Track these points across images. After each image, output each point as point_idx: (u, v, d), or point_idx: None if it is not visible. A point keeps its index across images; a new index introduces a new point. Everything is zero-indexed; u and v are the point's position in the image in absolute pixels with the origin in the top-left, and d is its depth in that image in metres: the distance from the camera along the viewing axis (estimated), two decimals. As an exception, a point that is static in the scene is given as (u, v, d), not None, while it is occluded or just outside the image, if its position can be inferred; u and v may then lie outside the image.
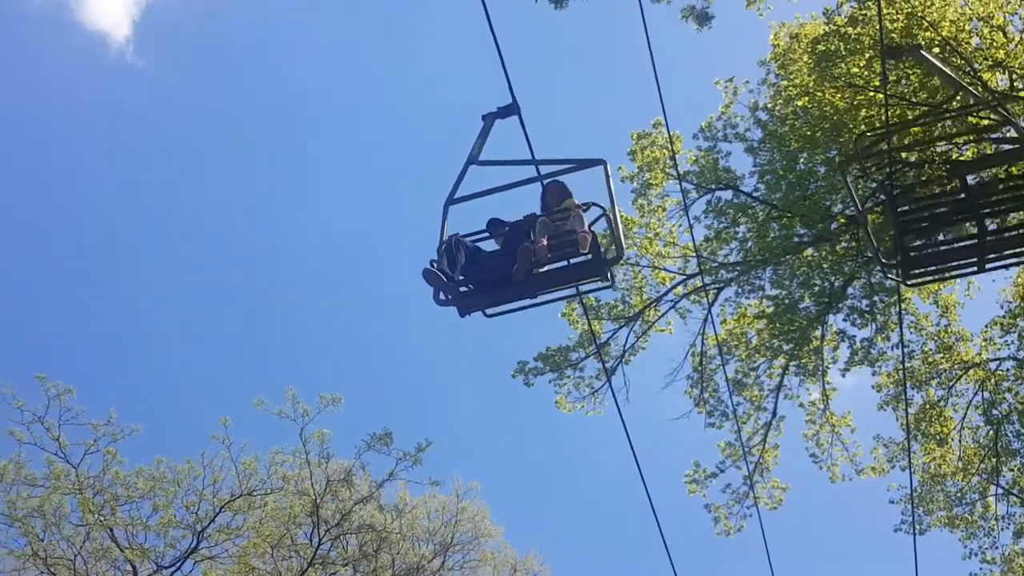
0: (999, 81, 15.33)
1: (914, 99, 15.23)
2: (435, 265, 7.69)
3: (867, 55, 14.96)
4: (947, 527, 20.24)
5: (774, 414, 19.28)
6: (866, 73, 15.23)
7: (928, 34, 14.59)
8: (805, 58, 15.87)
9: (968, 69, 14.78)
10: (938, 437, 19.23)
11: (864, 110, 15.49)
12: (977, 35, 15.04)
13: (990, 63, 14.98)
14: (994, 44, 14.89)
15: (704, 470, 19.61)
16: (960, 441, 19.44)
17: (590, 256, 7.61)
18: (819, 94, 15.72)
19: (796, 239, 17.08)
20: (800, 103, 16.03)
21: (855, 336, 18.05)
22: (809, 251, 17.33)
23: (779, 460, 19.82)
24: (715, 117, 17.69)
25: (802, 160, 16.56)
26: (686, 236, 18.44)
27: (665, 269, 18.92)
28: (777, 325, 18.06)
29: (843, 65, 15.13)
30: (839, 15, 15.17)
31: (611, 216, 8.07)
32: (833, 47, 15.05)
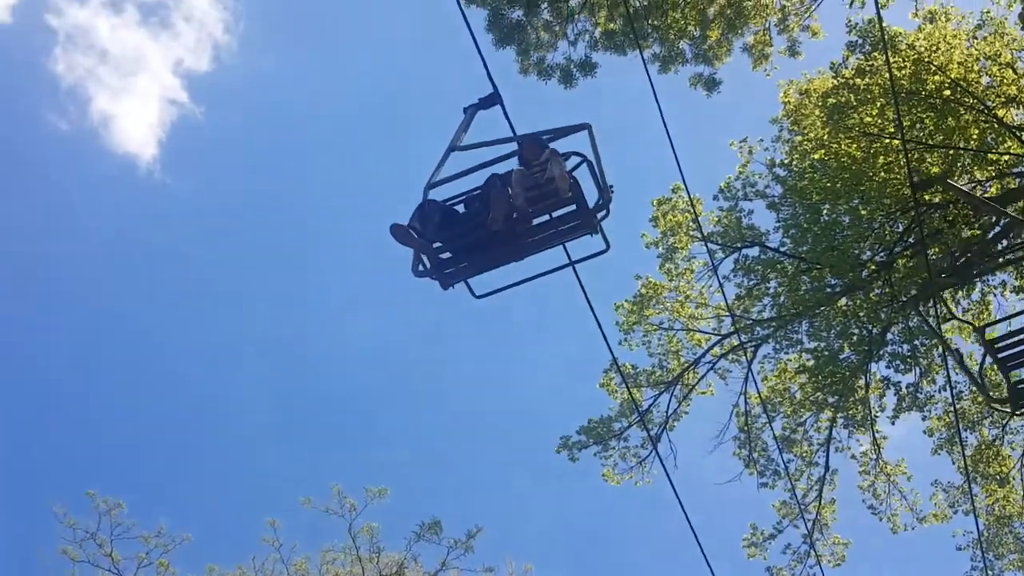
0: (1015, 116, 15.40)
1: (930, 142, 15.32)
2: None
3: (878, 104, 15.13)
4: (1021, 570, 19.58)
5: (827, 468, 18.94)
6: (880, 121, 15.37)
7: (937, 78, 14.75)
8: (817, 112, 16.06)
9: (981, 107, 14.88)
10: (998, 477, 18.74)
11: (882, 157, 15.59)
12: (986, 74, 15.17)
13: (1003, 99, 15.08)
14: (1004, 81, 15.00)
15: (762, 532, 19.21)
16: (1022, 479, 18.93)
17: (574, 206, 7.20)
18: (835, 146, 15.86)
19: (828, 290, 17.03)
20: (816, 156, 16.17)
21: (900, 382, 17.82)
22: (843, 301, 17.25)
23: (837, 515, 19.40)
24: (733, 177, 17.88)
25: (825, 211, 16.62)
26: (717, 296, 18.49)
27: (699, 331, 18.90)
28: (819, 378, 17.87)
29: (855, 115, 15.30)
30: (846, 68, 15.39)
31: (594, 164, 7.58)
32: (844, 99, 15.25)
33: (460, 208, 7.60)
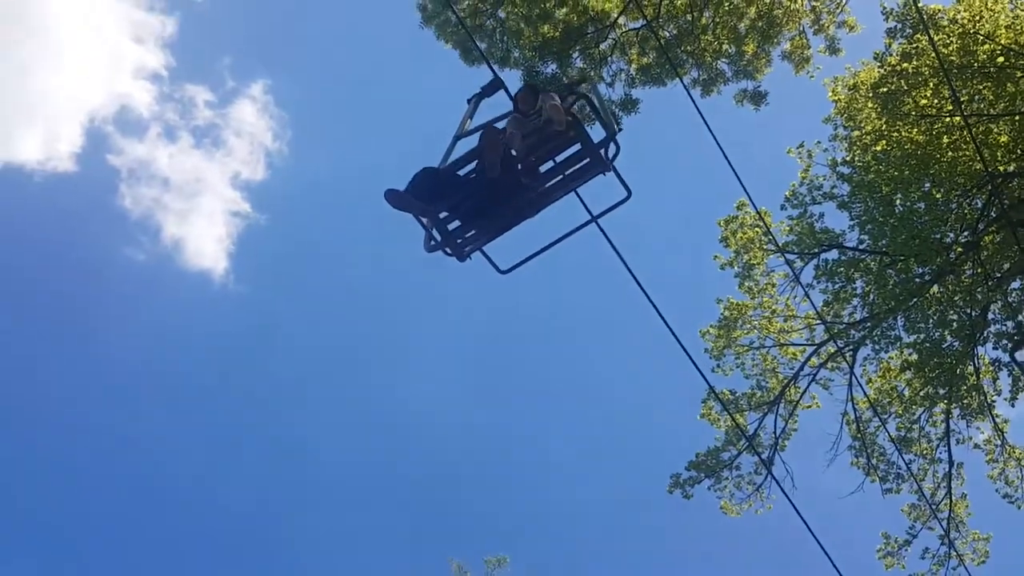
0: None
1: (992, 112, 14.89)
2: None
3: (931, 84, 14.81)
4: None
5: (951, 463, 18.16)
6: (936, 101, 15.02)
7: (986, 47, 14.39)
8: (869, 104, 15.79)
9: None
10: None
11: (945, 137, 15.20)
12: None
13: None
14: (1058, 37, 14.55)
15: (895, 540, 18.44)
16: None
17: (578, 144, 6.79)
18: (895, 134, 15.54)
19: (917, 280, 16.53)
20: (878, 148, 15.85)
21: (1011, 362, 17.06)
22: (935, 288, 16.70)
23: (971, 510, 18.53)
24: (797, 184, 17.60)
25: (898, 201, 16.22)
26: (804, 306, 18.10)
27: (792, 344, 18.50)
28: (926, 371, 17.25)
29: (909, 100, 14.99)
30: (890, 55, 15.14)
31: (594, 100, 7.29)
32: (894, 86, 14.97)
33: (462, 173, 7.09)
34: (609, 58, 15.82)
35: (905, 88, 14.91)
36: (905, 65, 14.73)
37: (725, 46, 14.90)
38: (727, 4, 14.80)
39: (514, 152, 6.59)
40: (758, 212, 17.16)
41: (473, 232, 7.06)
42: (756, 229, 17.65)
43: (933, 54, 14.12)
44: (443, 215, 6.94)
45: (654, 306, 7.64)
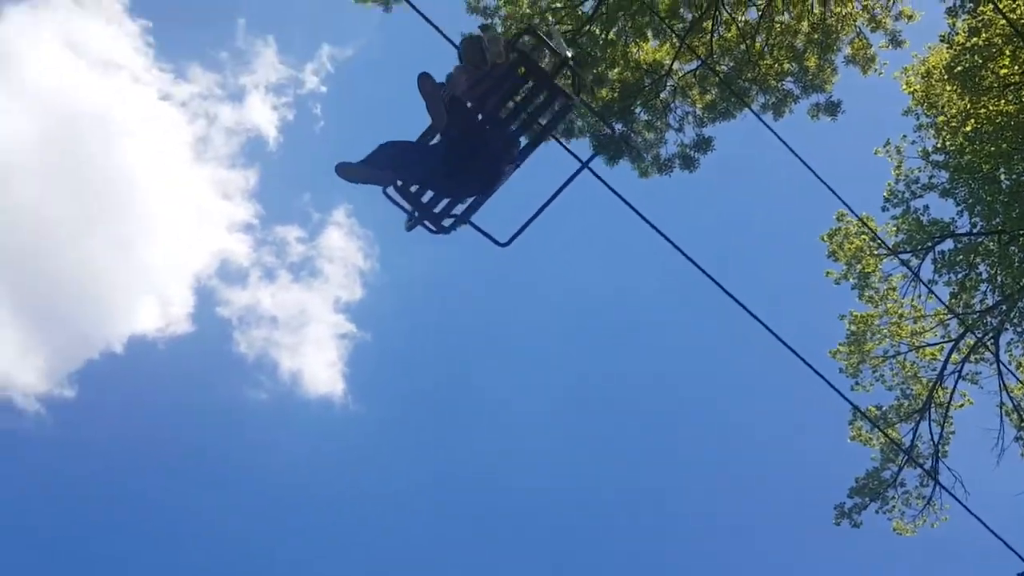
0: None
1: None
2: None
3: (1007, 52, 14.32)
4: None
5: None
6: (1016, 68, 14.50)
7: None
8: (947, 87, 15.36)
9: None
10: None
11: (1036, 100, 14.63)
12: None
13: None
14: None
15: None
16: None
17: (530, 79, 6.30)
18: (981, 110, 15.02)
19: (1044, 250, 15.74)
20: (968, 128, 15.33)
21: None
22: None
23: None
24: (892, 182, 17.14)
25: (1003, 176, 15.59)
26: (931, 303, 17.40)
27: (928, 344, 17.74)
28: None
29: (988, 73, 14.52)
30: (956, 34, 14.76)
31: (540, 34, 6.71)
32: (969, 63, 14.54)
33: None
34: (672, 104, 15.89)
35: (980, 62, 14.46)
36: (975, 40, 14.32)
37: (786, 65, 14.80)
38: (778, 25, 14.75)
39: (459, 95, 6.24)
40: (860, 219, 16.72)
41: (451, 200, 6.59)
42: (862, 237, 17.17)
43: (1002, 22, 13.69)
44: (414, 188, 6.48)
45: (777, 337, 7.48)
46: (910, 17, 14.99)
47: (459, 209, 6.65)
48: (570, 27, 15.70)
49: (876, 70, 15.42)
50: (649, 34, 15.54)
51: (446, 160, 6.24)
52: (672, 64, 15.56)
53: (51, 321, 34.18)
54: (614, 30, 15.59)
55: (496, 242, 6.45)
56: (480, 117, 6.39)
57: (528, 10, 15.84)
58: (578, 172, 6.63)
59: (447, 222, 6.58)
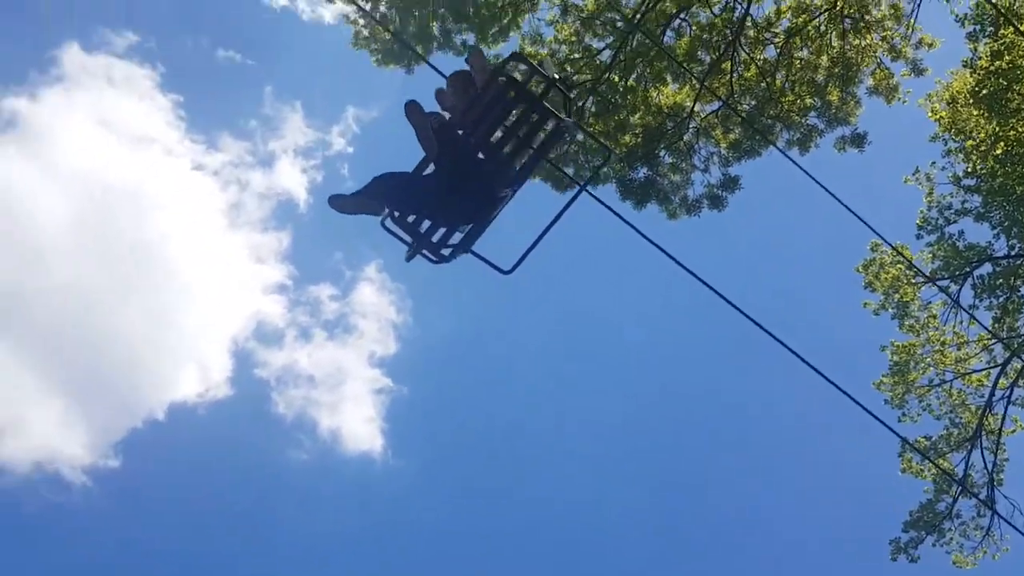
0: None
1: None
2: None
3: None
4: None
5: None
6: (1043, 86, 14.39)
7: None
8: (974, 112, 15.25)
9: None
10: None
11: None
12: None
13: None
14: None
15: None
16: None
17: (520, 103, 6.24)
18: (1011, 132, 14.88)
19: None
20: (998, 151, 15.19)
21: None
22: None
23: None
24: (925, 209, 16.96)
25: (1037, 195, 15.39)
26: (974, 329, 17.09)
27: (974, 371, 17.39)
28: None
29: (1015, 95, 14.41)
30: (979, 58, 14.70)
31: (524, 58, 6.67)
32: (994, 86, 14.45)
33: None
34: (696, 145, 15.94)
35: (1006, 84, 14.36)
36: (998, 63, 14.24)
37: (808, 100, 14.81)
38: (797, 62, 14.80)
39: (449, 122, 6.23)
40: (894, 248, 16.56)
41: (447, 229, 6.46)
42: (898, 266, 16.98)
43: (1024, 43, 13.63)
44: (411, 218, 6.39)
45: (820, 374, 7.33)
46: (930, 45, 14.98)
47: (458, 237, 6.58)
48: (589, 77, 15.89)
49: (900, 99, 15.39)
50: (668, 78, 15.66)
51: (440, 188, 6.18)
52: (694, 106, 15.63)
53: (95, 393, 34.60)
54: (633, 76, 15.74)
55: (499, 270, 6.34)
56: (472, 142, 6.36)
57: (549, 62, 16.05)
58: (576, 195, 6.63)
59: (446, 251, 6.49)
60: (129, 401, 34.59)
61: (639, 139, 15.75)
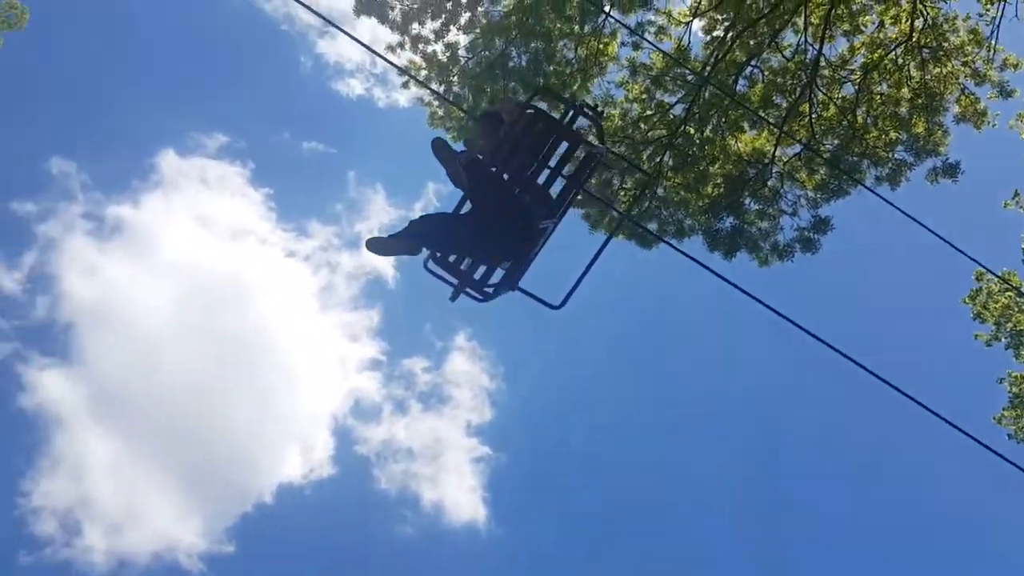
0: None
1: None
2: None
3: None
4: None
5: None
6: None
7: None
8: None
9: None
10: None
11: None
12: None
13: None
14: None
15: None
16: None
17: (550, 133, 6.29)
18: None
19: None
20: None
21: None
22: None
23: None
24: (1030, 231, 16.30)
25: None
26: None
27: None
28: None
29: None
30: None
31: (549, 88, 6.70)
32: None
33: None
34: (781, 189, 15.68)
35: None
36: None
37: (894, 135, 14.46)
38: (878, 96, 14.53)
39: (480, 156, 6.22)
40: (1000, 277, 15.92)
41: (489, 267, 6.49)
42: (1007, 294, 16.28)
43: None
44: (452, 258, 6.46)
45: (939, 416, 7.02)
46: (1015, 65, 14.53)
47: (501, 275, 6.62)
48: (664, 132, 15.89)
49: (989, 123, 14.90)
50: (745, 125, 15.54)
51: (478, 225, 6.17)
52: (775, 151, 15.43)
53: (206, 481, 35.62)
54: (709, 128, 15.66)
55: (549, 305, 6.28)
56: (505, 176, 6.39)
57: (619, 122, 16.15)
58: (620, 223, 6.77)
59: (490, 289, 6.50)
60: (239, 486, 35.47)
61: (721, 189, 15.59)
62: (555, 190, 6.78)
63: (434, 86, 16.28)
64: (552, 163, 6.67)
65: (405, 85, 17.87)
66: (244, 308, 38.98)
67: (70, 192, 35.17)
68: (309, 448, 40.35)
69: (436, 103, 16.59)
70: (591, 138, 6.91)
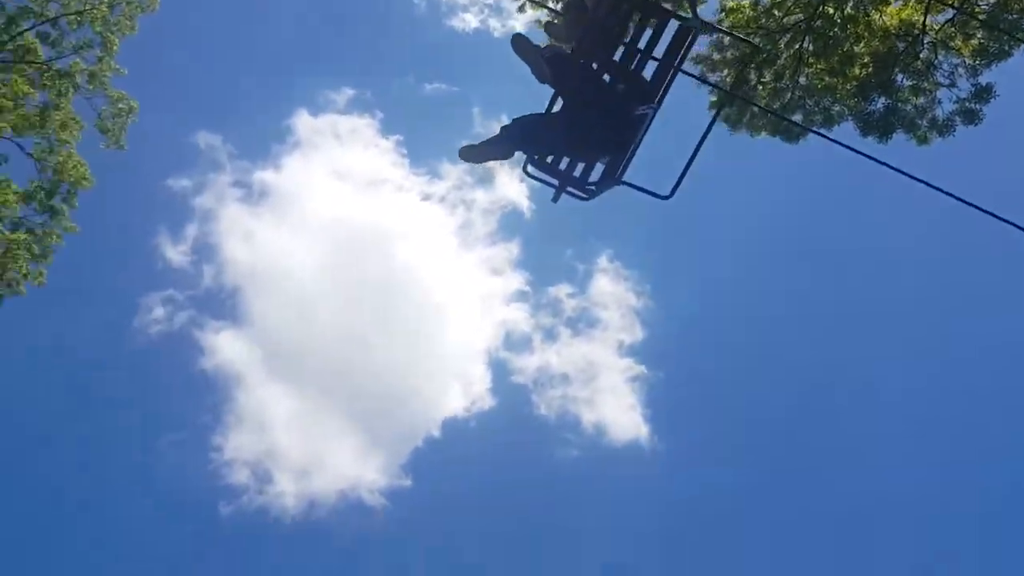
0: None
1: None
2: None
3: None
4: None
5: None
6: None
7: None
8: None
9: None
10: None
11: None
12: None
13: None
14: None
15: None
16: None
17: (635, 10, 5.89)
18: None
19: None
20: None
21: None
22: None
23: None
24: None
25: None
26: None
27: None
28: None
29: None
30: None
31: None
32: None
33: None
34: (935, 61, 14.68)
35: None
36: None
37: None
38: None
39: (569, 49, 5.89)
40: None
41: (589, 161, 6.29)
42: None
43: None
44: (550, 159, 6.25)
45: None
46: None
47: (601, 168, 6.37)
48: (801, 16, 15.12)
49: None
50: (889, -3, 14.56)
51: (571, 120, 5.91)
52: (924, 19, 14.42)
53: (376, 422, 37.45)
54: (849, 5, 14.77)
55: (658, 196, 6.03)
56: (593, 66, 6.07)
57: (751, 12, 15.47)
58: (721, 109, 6.36)
59: (594, 186, 6.31)
60: (408, 424, 37.16)
61: (869, 68, 14.73)
62: (649, 74, 6.38)
63: (551, 4, 15.95)
64: (643, 45, 6.29)
65: (521, 9, 17.59)
66: (389, 255, 40.28)
67: (218, 164, 37.02)
68: (468, 382, 41.64)
69: (557, 21, 16.26)
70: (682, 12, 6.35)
